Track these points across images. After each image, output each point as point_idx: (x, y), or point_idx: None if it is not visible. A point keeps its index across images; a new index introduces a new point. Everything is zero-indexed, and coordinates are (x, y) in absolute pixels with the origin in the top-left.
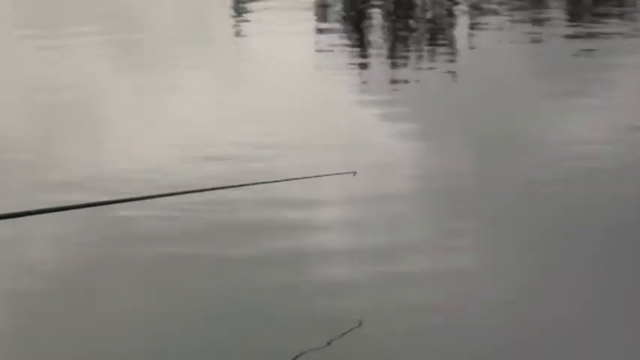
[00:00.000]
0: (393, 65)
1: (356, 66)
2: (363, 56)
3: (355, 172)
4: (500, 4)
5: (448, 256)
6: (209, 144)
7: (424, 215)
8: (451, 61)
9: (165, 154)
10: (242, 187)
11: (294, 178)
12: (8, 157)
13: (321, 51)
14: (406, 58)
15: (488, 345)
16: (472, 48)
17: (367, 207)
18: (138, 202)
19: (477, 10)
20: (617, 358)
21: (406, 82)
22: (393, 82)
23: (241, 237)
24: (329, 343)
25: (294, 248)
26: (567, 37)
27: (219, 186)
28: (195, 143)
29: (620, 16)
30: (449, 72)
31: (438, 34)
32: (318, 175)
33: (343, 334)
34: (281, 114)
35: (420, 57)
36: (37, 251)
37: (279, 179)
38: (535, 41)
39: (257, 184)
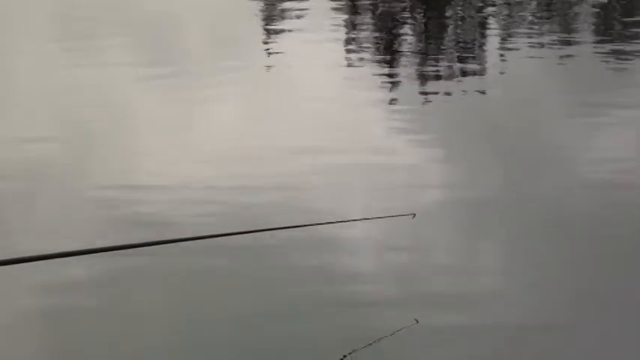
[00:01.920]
0: (423, 82)
1: (387, 85)
2: (393, 76)
3: (414, 215)
4: (530, 27)
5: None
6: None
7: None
8: (480, 78)
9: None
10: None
11: (351, 220)
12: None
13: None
14: (437, 76)
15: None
16: (502, 68)
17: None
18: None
19: (507, 30)
20: None
21: (435, 96)
22: (424, 100)
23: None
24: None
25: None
26: (597, 53)
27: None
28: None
29: None
30: (478, 90)
31: (469, 52)
32: (377, 216)
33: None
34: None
35: (450, 75)
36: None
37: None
38: (565, 57)
39: (310, 225)
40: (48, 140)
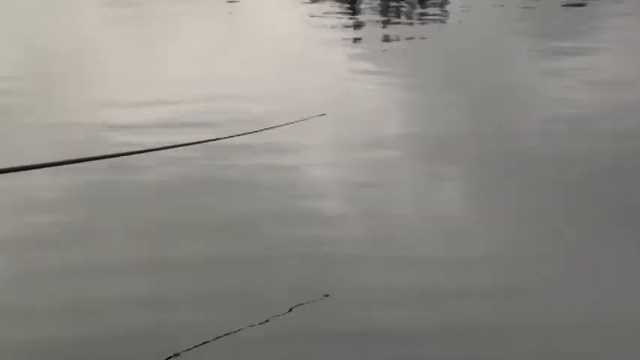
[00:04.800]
0: (385, 25)
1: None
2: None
3: (325, 114)
4: None
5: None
6: (196, 97)
7: (410, 162)
8: (442, 22)
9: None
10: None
11: (269, 128)
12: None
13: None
14: (398, 21)
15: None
16: (464, 11)
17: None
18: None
19: None
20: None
21: (397, 39)
22: (385, 40)
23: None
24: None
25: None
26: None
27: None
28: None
29: None
30: (439, 25)
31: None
32: (295, 121)
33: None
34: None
35: (411, 20)
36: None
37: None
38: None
39: (220, 138)
40: (15, 79)
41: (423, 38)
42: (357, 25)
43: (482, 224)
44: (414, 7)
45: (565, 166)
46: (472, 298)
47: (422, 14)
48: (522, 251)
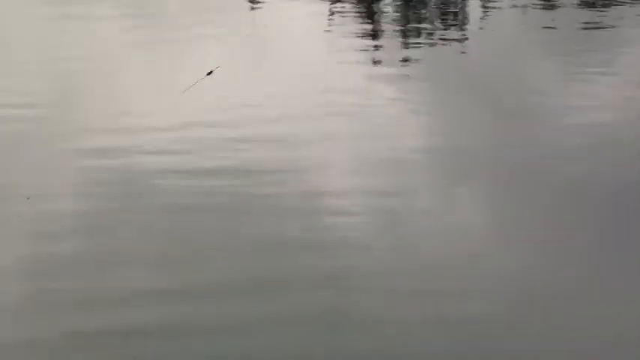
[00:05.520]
0: (404, 36)
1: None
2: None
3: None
4: None
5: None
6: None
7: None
8: (463, 36)
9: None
10: None
11: None
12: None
13: (333, 21)
14: (418, 31)
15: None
16: (482, 25)
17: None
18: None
19: None
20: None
21: (418, 47)
22: (405, 48)
23: None
24: None
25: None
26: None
27: None
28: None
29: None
30: (460, 40)
31: (451, 12)
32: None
33: None
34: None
35: (432, 31)
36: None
37: None
38: (547, 27)
39: None
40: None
41: (445, 41)
42: (375, 35)
43: (504, 235)
44: (433, 24)
45: (589, 182)
46: (490, 306)
47: (443, 30)
48: (546, 262)
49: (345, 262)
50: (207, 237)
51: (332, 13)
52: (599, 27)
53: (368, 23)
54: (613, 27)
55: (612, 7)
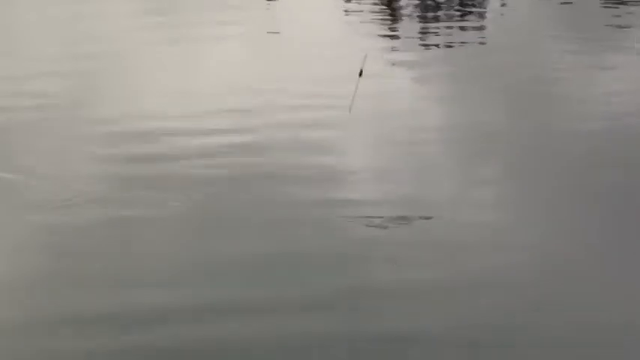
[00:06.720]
0: (423, 21)
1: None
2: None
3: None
4: None
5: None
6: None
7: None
8: (482, 24)
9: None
10: None
11: None
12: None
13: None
14: (437, 18)
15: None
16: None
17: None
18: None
19: None
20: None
21: (436, 35)
22: (422, 37)
23: None
24: None
25: None
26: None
27: None
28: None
29: None
30: (479, 27)
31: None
32: None
33: None
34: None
35: (451, 16)
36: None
37: None
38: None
39: None
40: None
41: (464, 29)
42: (394, 21)
43: (519, 216)
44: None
45: (604, 164)
46: (506, 290)
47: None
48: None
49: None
50: (222, 244)
51: (349, 1)
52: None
53: (387, 12)
54: None
55: None
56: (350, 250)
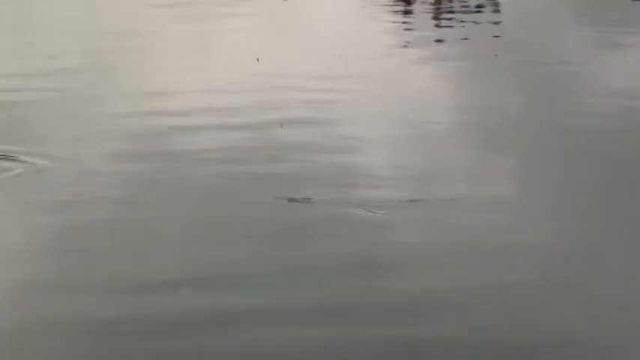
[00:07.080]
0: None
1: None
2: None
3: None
4: None
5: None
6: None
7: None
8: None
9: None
10: None
11: None
12: None
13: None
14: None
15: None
16: None
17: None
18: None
19: None
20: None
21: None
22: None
23: None
24: None
25: None
26: None
27: None
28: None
29: None
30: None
31: None
32: None
33: None
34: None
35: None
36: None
37: None
38: None
39: None
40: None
41: (478, 23)
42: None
43: (531, 204)
44: None
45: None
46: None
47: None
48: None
49: None
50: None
51: None
52: None
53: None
54: None
55: None
56: (360, 251)
